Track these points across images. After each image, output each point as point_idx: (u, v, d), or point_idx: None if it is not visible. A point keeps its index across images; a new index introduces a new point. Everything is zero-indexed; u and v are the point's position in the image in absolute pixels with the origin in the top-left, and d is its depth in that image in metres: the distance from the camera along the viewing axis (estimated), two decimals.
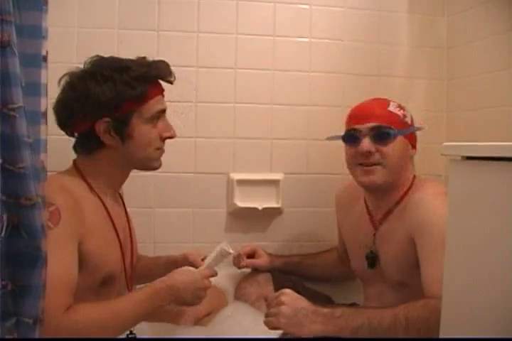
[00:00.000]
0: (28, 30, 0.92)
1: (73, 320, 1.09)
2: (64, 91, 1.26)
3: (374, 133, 1.37)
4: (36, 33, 0.93)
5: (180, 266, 1.34)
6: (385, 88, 1.82)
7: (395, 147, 1.37)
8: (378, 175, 1.37)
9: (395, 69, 1.87)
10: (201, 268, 1.30)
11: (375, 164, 1.37)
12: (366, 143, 1.36)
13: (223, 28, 1.75)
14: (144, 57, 1.30)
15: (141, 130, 1.26)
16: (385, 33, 1.86)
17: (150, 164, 1.32)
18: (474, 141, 0.87)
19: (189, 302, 1.25)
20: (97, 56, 1.28)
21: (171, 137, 1.32)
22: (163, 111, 1.30)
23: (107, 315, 1.15)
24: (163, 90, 1.31)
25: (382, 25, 1.86)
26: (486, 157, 0.83)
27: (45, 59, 0.95)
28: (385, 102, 1.42)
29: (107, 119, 1.22)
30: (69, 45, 1.62)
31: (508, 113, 1.58)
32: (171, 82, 1.32)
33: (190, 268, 1.28)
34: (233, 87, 1.77)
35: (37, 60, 0.94)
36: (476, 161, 0.85)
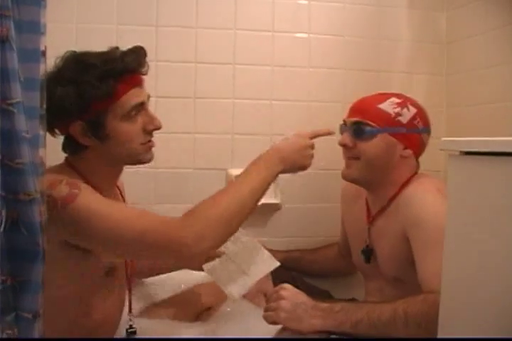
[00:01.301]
0: (26, 25, 0.92)
1: (197, 220, 1.09)
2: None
3: (354, 129, 1.39)
4: (35, 28, 0.93)
5: None
6: (384, 83, 1.82)
7: (374, 144, 1.37)
8: (354, 169, 1.41)
9: (394, 65, 1.87)
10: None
11: (353, 158, 1.40)
12: (344, 137, 1.41)
13: (222, 24, 1.75)
14: (117, 48, 1.23)
15: (119, 128, 1.19)
16: (384, 28, 1.86)
17: (137, 159, 1.26)
18: (474, 136, 0.87)
19: (300, 163, 1.25)
20: (68, 52, 1.21)
21: (154, 129, 1.24)
22: (141, 104, 1.21)
23: (229, 200, 1.13)
24: (139, 81, 1.23)
25: (381, 20, 1.86)
26: (484, 152, 0.83)
27: (43, 54, 0.95)
28: (382, 98, 1.40)
29: (80, 122, 1.17)
30: (68, 40, 1.61)
31: (508, 108, 1.58)
32: (143, 74, 1.24)
33: (287, 136, 1.27)
34: (232, 82, 1.77)
35: (35, 55, 0.93)
36: (475, 156, 0.85)
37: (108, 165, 1.26)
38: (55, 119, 1.14)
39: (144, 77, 1.25)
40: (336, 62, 1.83)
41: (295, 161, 1.24)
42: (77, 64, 1.18)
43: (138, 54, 1.22)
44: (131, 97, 1.20)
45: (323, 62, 1.82)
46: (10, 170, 0.89)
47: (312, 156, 1.27)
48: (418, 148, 1.41)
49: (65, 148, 1.25)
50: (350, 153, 1.41)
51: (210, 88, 1.75)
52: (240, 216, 1.14)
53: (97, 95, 1.15)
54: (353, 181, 1.44)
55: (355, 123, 1.39)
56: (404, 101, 1.40)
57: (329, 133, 1.34)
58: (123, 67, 1.19)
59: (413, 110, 1.39)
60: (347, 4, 1.83)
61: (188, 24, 1.73)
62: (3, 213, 0.88)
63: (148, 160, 1.28)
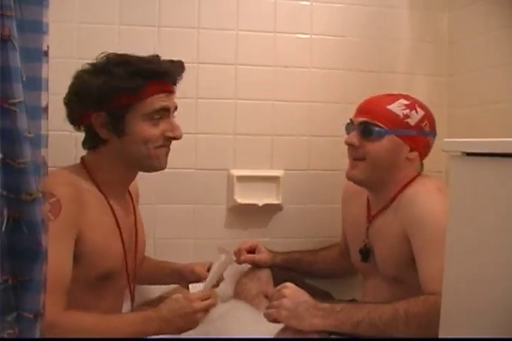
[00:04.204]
0: (28, 25, 0.92)
1: (68, 323, 1.12)
2: (69, 86, 1.27)
3: (361, 129, 1.38)
4: (37, 27, 0.93)
5: (186, 277, 1.42)
6: (386, 84, 1.82)
7: (380, 145, 1.35)
8: (359, 171, 1.39)
9: (395, 65, 1.87)
10: (204, 282, 1.34)
11: (359, 159, 1.38)
12: (351, 136, 1.39)
13: (224, 24, 1.75)
14: (157, 56, 1.28)
15: (137, 126, 1.23)
16: (385, 28, 1.86)
17: (148, 163, 1.28)
18: (475, 137, 0.87)
19: (184, 328, 1.22)
20: (109, 53, 1.27)
21: (174, 138, 1.27)
22: (164, 109, 1.26)
23: (98, 327, 1.15)
24: (169, 89, 1.27)
25: (383, 21, 1.85)
26: (486, 153, 0.83)
27: (46, 54, 0.95)
28: (392, 99, 1.39)
29: (102, 113, 1.22)
30: (70, 40, 1.62)
31: (510, 109, 1.58)
32: (171, 83, 1.28)
33: (179, 295, 1.24)
34: (234, 83, 1.76)
35: (38, 55, 0.93)
36: (477, 157, 0.85)
37: (121, 165, 1.27)
38: (81, 107, 1.22)
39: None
40: (337, 63, 1.82)
41: (179, 327, 1.21)
42: (114, 58, 1.24)
43: (175, 64, 1.27)
44: (158, 100, 1.24)
45: (325, 62, 1.82)
46: (12, 170, 0.89)
47: (198, 320, 1.22)
48: (424, 150, 1.40)
49: (84, 143, 1.29)
50: (356, 153, 1.39)
51: (212, 88, 1.75)
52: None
53: (124, 88, 1.20)
54: (357, 182, 1.43)
55: (363, 123, 1.37)
56: (413, 103, 1.39)
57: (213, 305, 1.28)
58: (156, 70, 1.23)
59: (421, 112, 1.38)
60: (348, 5, 1.83)
61: (190, 25, 1.72)
62: (5, 212, 0.89)
63: (159, 167, 1.30)
